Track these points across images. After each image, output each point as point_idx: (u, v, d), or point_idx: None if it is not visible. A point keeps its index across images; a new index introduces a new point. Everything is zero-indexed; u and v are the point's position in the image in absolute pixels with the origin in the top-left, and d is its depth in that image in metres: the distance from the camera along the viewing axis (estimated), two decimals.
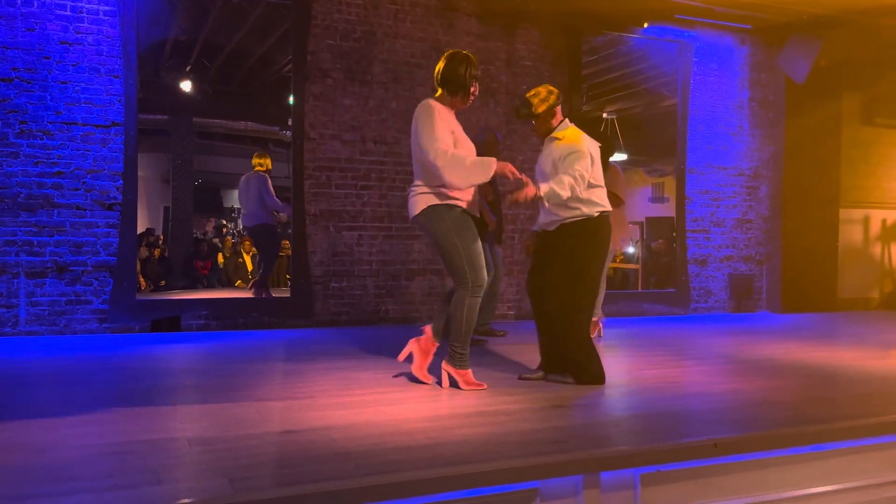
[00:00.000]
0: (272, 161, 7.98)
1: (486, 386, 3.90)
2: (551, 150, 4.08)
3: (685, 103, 8.01)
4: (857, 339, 6.23)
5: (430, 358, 4.03)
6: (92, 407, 3.44)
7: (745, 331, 6.73)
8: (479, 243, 3.82)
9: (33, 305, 5.64)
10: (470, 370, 3.90)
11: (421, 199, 3.78)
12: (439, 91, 3.86)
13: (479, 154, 5.71)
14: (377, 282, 6.67)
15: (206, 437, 2.94)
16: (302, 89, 6.45)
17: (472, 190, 3.85)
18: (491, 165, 3.76)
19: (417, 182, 3.81)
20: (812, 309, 8.23)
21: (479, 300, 3.82)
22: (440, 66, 3.84)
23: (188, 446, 2.80)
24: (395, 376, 4.20)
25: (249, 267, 10.87)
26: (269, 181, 7.66)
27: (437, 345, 4.03)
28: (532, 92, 4.17)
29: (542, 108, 4.10)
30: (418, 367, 3.99)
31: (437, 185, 3.74)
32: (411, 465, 2.59)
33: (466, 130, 6.93)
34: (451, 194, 3.76)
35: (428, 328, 4.02)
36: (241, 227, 8.39)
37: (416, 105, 7.09)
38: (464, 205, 3.82)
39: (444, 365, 3.92)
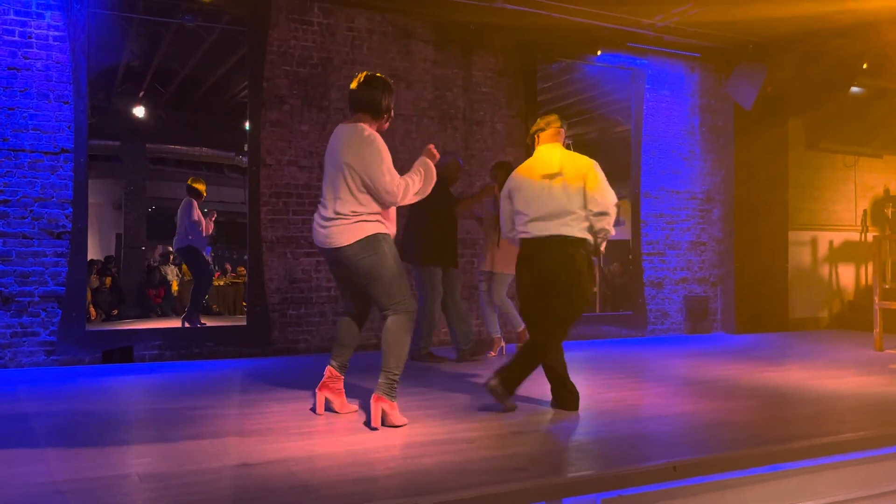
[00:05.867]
0: (227, 187, 7.91)
1: (407, 422, 3.63)
2: None
3: (639, 129, 8.17)
4: (808, 358, 6.36)
5: (342, 393, 3.92)
6: (37, 444, 3.31)
7: (701, 352, 6.82)
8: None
9: None
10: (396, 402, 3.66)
11: (358, 228, 3.58)
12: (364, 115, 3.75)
13: (440, 178, 5.81)
14: (336, 308, 6.59)
15: (158, 472, 2.85)
16: (258, 115, 6.40)
17: (394, 215, 3.77)
18: (431, 167, 3.76)
19: (347, 209, 3.59)
20: (765, 329, 8.39)
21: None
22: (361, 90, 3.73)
23: (139, 483, 2.71)
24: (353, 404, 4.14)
25: None
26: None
27: (343, 377, 3.92)
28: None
29: None
30: (341, 406, 3.89)
31: (374, 212, 3.61)
32: (372, 496, 2.54)
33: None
34: (385, 223, 3.67)
35: (328, 368, 3.89)
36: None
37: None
38: (392, 233, 3.73)
39: (376, 398, 3.56)
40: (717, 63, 8.45)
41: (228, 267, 12.42)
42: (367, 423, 3.58)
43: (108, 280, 9.31)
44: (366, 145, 3.58)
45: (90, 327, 6.39)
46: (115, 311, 9.14)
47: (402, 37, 7.00)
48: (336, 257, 3.67)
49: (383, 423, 3.56)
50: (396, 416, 3.60)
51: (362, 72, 3.80)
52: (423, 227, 5.80)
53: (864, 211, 9.57)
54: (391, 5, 6.85)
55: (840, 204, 9.48)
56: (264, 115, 6.41)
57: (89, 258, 6.84)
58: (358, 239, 3.57)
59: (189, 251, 7.61)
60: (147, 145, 11.40)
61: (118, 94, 9.84)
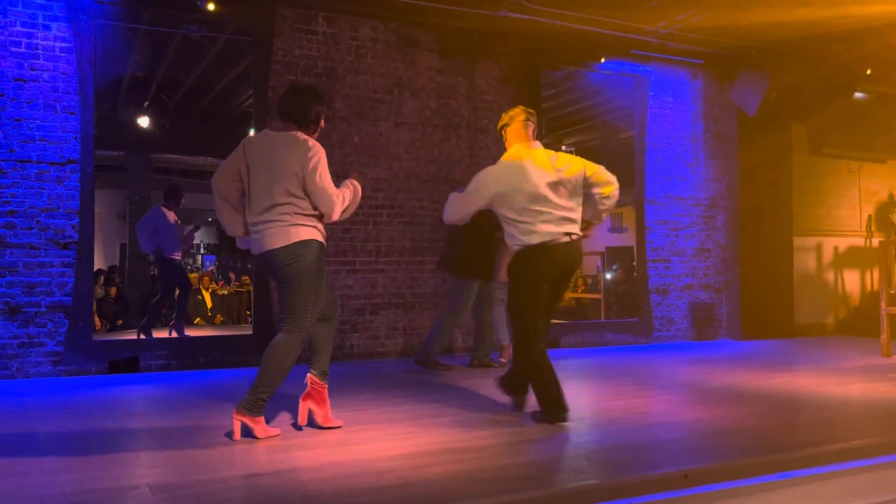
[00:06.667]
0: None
1: (279, 432, 3.61)
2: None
3: (642, 136, 8.17)
4: (815, 364, 6.35)
5: (328, 402, 3.82)
6: (46, 454, 3.31)
7: (707, 359, 6.81)
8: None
9: None
10: (263, 417, 3.56)
11: (298, 231, 3.51)
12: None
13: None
14: (341, 316, 6.60)
15: (168, 483, 2.85)
16: (263, 125, 6.41)
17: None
18: (356, 186, 3.74)
19: (290, 211, 3.52)
20: (771, 335, 8.37)
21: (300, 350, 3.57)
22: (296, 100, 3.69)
23: (150, 494, 2.71)
24: (360, 413, 4.14)
25: (209, 304, 10.68)
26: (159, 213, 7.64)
27: (326, 385, 3.81)
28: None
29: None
30: (323, 418, 3.79)
31: (311, 216, 3.56)
32: None
33: (429, 163, 7.05)
34: (323, 231, 3.62)
35: (310, 376, 3.79)
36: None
37: (379, 139, 7.11)
38: (324, 242, 3.66)
39: (237, 413, 3.48)
40: (719, 69, 8.46)
41: (232, 276, 12.42)
42: (229, 435, 3.56)
43: (114, 290, 9.32)
44: (310, 155, 3.52)
45: (96, 337, 6.39)
46: (120, 322, 9.15)
47: (406, 45, 7.02)
48: (268, 263, 3.58)
49: (249, 436, 3.51)
50: (261, 429, 3.53)
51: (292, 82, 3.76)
52: (464, 239, 5.85)
53: (869, 216, 9.56)
54: (395, 14, 6.88)
55: (844, 209, 9.47)
56: (269, 125, 6.42)
57: (94, 268, 6.84)
58: (293, 242, 3.50)
59: (161, 262, 7.44)
60: (152, 155, 11.42)
61: (123, 104, 9.88)
